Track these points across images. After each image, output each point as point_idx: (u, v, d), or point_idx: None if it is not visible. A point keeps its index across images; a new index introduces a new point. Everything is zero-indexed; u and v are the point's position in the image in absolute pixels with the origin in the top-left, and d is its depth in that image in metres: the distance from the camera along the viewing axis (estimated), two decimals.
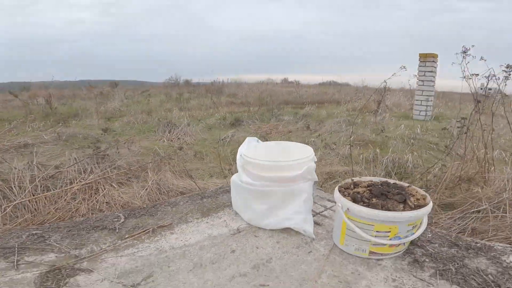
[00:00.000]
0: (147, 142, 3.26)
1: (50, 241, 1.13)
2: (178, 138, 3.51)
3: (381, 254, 1.07)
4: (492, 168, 1.97)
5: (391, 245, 1.06)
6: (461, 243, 1.25)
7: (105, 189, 1.76)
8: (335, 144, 3.35)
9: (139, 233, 1.19)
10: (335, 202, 1.61)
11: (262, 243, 1.19)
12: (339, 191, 1.15)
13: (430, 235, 1.29)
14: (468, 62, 2.13)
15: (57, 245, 1.10)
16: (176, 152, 2.51)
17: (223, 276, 0.98)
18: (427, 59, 4.83)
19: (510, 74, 2.00)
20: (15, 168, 1.76)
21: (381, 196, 1.12)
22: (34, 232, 1.19)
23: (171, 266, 1.02)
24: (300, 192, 1.22)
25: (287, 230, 1.27)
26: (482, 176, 1.87)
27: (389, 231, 1.04)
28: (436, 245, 1.20)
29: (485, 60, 2.12)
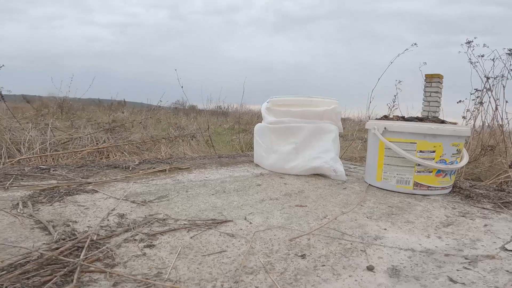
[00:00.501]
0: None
1: (55, 173, 0.93)
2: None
3: (428, 187, 0.87)
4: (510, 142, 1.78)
5: (437, 174, 0.86)
6: (506, 188, 1.05)
7: (116, 156, 1.58)
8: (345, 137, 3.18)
9: (154, 171, 0.99)
10: (357, 165, 1.40)
11: (289, 181, 0.97)
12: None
13: (469, 185, 1.10)
14: (473, 49, 2.04)
15: (62, 175, 0.90)
16: (188, 140, 2.34)
17: (251, 199, 0.76)
18: (433, 80, 4.64)
19: None
20: (28, 134, 1.58)
21: (415, 120, 0.94)
22: (41, 167, 0.99)
23: (190, 191, 0.80)
24: (328, 130, 1.02)
25: (314, 176, 1.07)
26: (504, 146, 1.68)
27: (434, 151, 0.81)
28: (482, 190, 1.00)
29: (488, 47, 2.02)
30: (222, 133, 5.02)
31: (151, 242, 0.47)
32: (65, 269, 0.35)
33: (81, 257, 0.38)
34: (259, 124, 1.15)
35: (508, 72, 1.84)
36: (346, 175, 1.07)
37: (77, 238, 0.43)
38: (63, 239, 0.45)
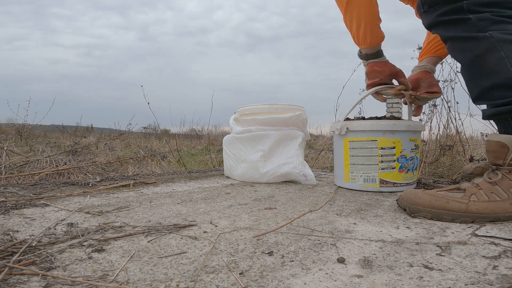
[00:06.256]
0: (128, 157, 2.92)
1: (5, 190, 0.83)
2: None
3: (393, 184, 0.87)
4: (466, 143, 1.87)
5: (400, 170, 0.86)
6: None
7: (78, 178, 1.47)
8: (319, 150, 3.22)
9: (117, 186, 0.93)
10: (327, 171, 1.40)
11: (260, 188, 0.94)
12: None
13: (433, 181, 1.12)
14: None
15: (13, 192, 0.81)
16: (158, 159, 2.26)
17: (218, 206, 0.72)
18: None
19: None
20: None
21: (374, 118, 0.95)
22: None
23: (154, 202, 0.75)
24: (294, 136, 1.01)
25: (284, 182, 1.04)
26: (461, 145, 1.76)
27: (394, 147, 0.83)
28: (445, 185, 1.02)
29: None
30: (196, 154, 4.92)
31: (101, 247, 0.41)
32: None
33: (12, 259, 0.32)
34: (227, 135, 1.12)
35: (455, 74, 1.97)
36: (317, 180, 1.06)
37: (12, 242, 0.37)
38: None
